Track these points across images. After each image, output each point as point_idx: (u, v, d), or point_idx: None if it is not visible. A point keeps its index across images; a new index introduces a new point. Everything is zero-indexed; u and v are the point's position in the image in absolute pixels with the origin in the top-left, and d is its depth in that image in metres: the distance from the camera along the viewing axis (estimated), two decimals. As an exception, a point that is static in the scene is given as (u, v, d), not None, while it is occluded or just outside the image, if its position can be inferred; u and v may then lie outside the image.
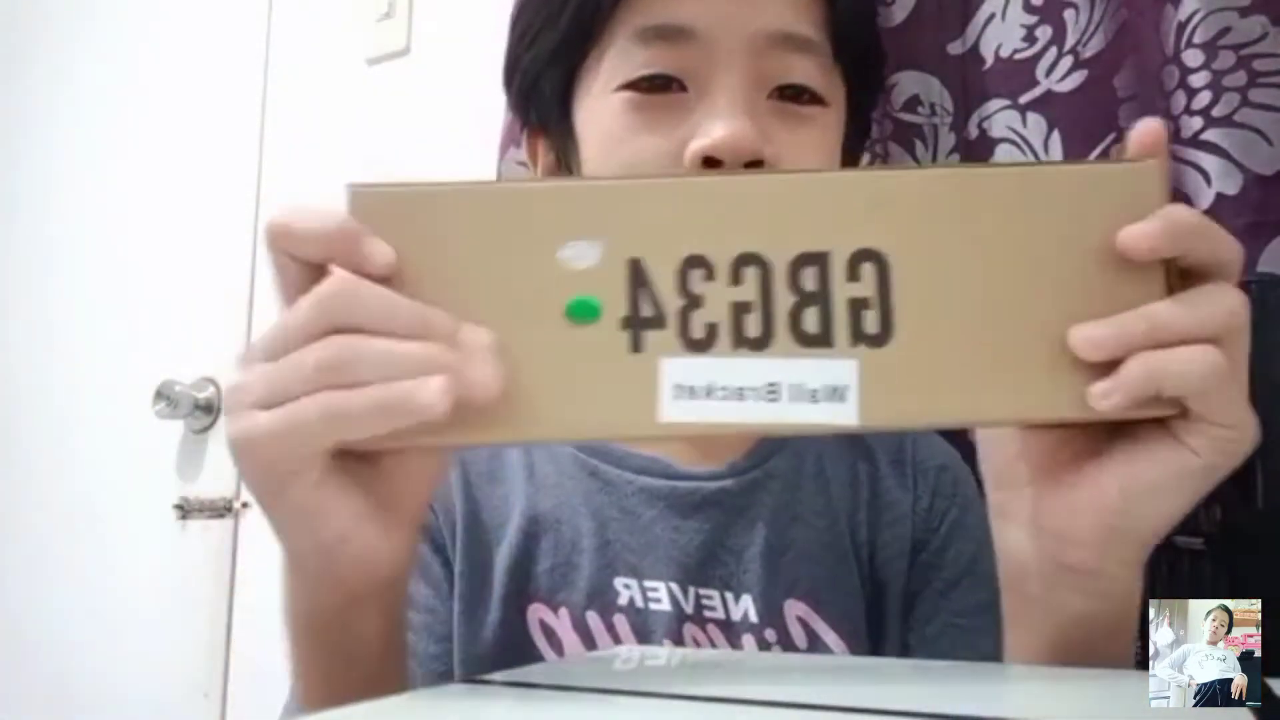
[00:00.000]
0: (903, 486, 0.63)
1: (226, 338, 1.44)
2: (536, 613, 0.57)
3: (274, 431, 0.35)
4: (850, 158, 0.62)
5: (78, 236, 1.67)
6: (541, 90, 0.59)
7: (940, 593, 0.60)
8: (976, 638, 0.57)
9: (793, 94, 0.54)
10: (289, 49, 1.48)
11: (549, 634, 0.57)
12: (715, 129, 0.50)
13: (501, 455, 0.62)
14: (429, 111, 1.31)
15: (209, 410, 1.45)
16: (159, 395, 1.42)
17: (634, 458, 0.60)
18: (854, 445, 0.64)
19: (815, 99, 0.55)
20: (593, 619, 0.57)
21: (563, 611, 0.57)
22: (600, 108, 0.55)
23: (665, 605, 0.57)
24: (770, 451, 0.62)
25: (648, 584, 0.57)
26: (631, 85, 0.53)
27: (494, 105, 1.10)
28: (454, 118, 1.26)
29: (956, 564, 0.60)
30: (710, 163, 0.51)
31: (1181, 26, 0.72)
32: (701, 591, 0.58)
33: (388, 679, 0.44)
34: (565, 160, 0.59)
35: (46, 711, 1.52)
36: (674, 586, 0.57)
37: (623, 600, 0.57)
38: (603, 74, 0.55)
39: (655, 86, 0.53)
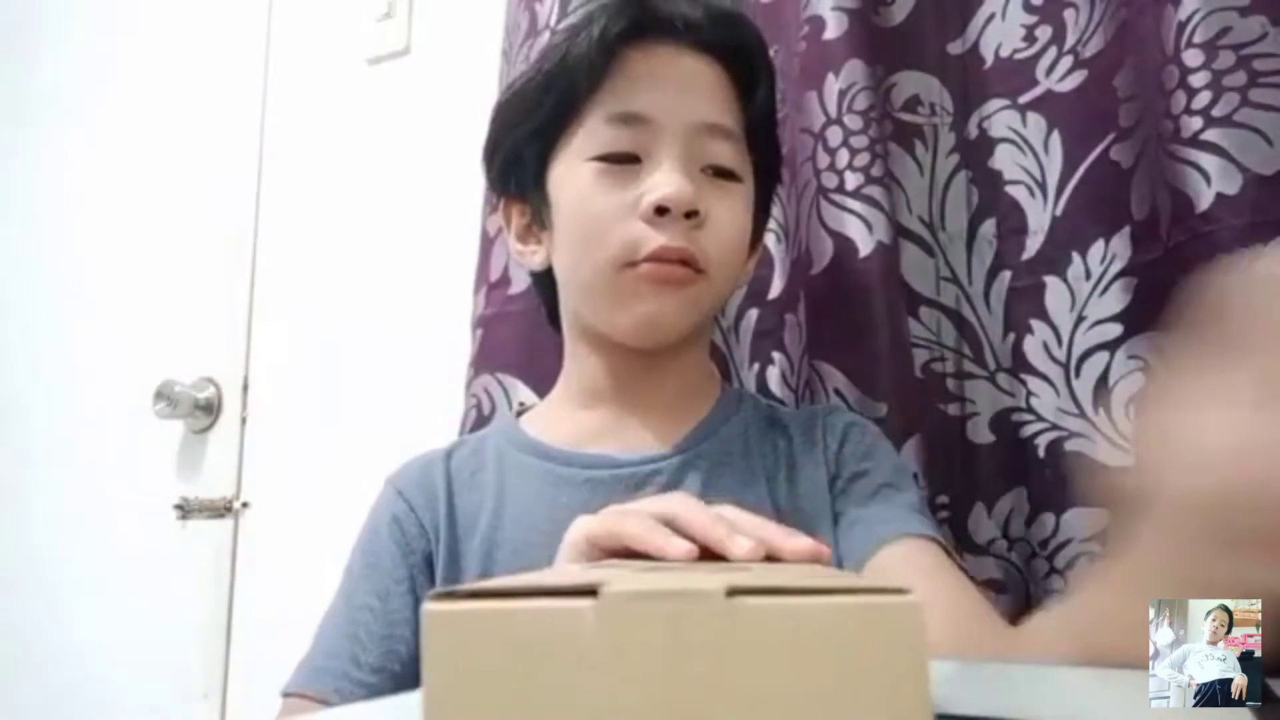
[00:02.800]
0: (813, 446, 0.75)
1: (226, 338, 1.45)
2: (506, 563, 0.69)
3: None
4: (757, 227, 0.79)
5: (78, 236, 1.67)
6: (524, 162, 0.75)
7: (857, 504, 0.71)
8: (888, 525, 0.68)
9: (718, 172, 0.71)
10: (289, 49, 1.48)
11: None
12: (664, 185, 0.67)
13: (481, 466, 0.76)
14: (429, 111, 1.31)
15: (209, 410, 1.45)
16: (159, 395, 1.42)
17: (582, 456, 0.73)
18: (774, 426, 0.78)
19: (733, 176, 0.72)
20: None
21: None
22: (573, 174, 0.71)
23: (616, 562, 0.65)
24: (701, 437, 0.75)
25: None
26: (601, 157, 0.70)
27: (493, 105, 1.10)
28: (454, 118, 1.26)
29: (872, 481, 0.72)
30: (660, 211, 0.67)
31: (1181, 26, 0.72)
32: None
33: None
34: (539, 219, 0.75)
35: (46, 711, 1.52)
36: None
37: None
38: (575, 149, 0.71)
39: (618, 159, 0.70)
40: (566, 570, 0.36)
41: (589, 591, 0.28)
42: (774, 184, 0.83)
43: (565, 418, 0.78)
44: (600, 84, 0.71)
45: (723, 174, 0.72)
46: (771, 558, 0.44)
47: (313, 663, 0.70)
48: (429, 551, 0.73)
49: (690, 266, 0.69)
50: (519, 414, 0.83)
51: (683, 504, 0.47)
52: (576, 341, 0.77)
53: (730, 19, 0.75)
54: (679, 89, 0.71)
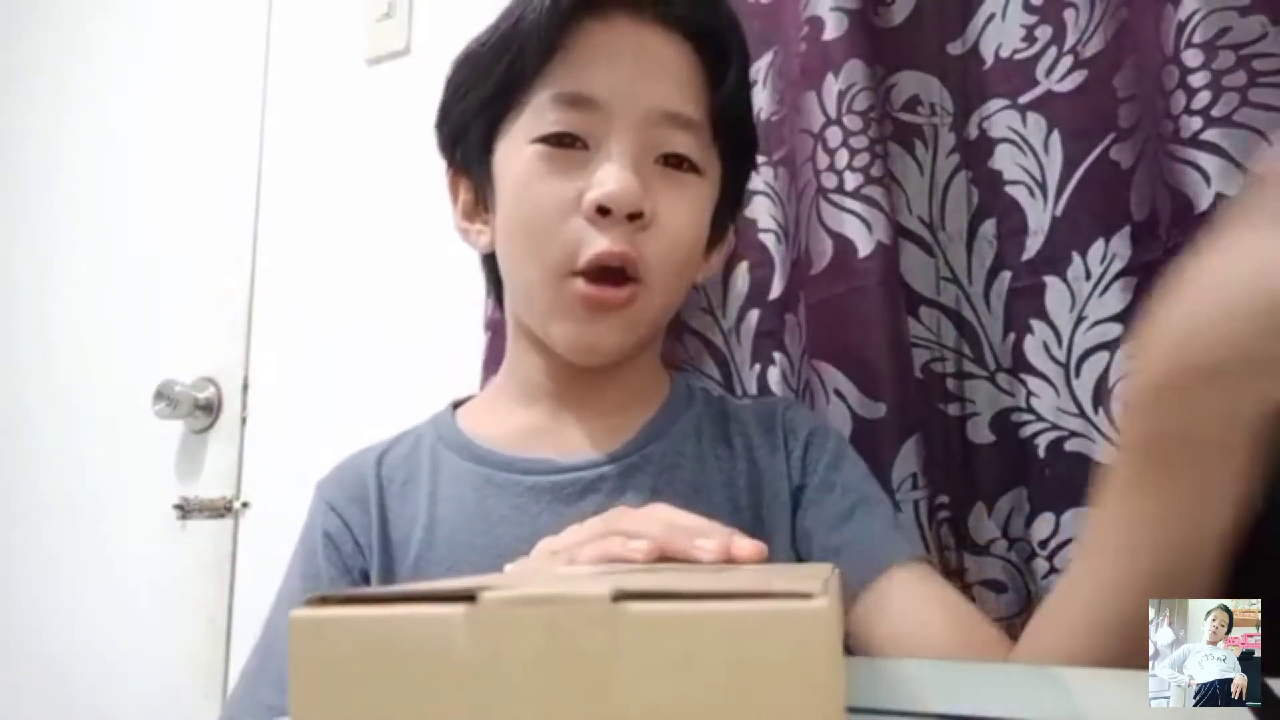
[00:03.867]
0: (774, 447, 0.72)
1: (226, 338, 1.45)
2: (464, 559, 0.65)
3: None
4: (723, 220, 0.74)
5: (78, 237, 1.67)
6: (469, 136, 0.70)
7: (832, 525, 0.68)
8: (875, 554, 0.65)
9: (674, 162, 0.66)
10: (289, 49, 1.48)
11: None
12: (608, 183, 0.62)
13: (413, 473, 0.71)
14: (429, 111, 1.31)
15: (209, 410, 1.45)
16: (159, 395, 1.42)
17: (521, 461, 0.69)
18: (731, 422, 0.74)
19: (692, 168, 0.67)
20: None
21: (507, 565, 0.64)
22: (516, 155, 0.66)
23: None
24: (647, 440, 0.71)
25: None
26: (543, 139, 0.64)
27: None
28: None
29: (844, 499, 0.68)
30: (602, 210, 0.62)
31: (1181, 26, 0.72)
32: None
33: None
34: (482, 197, 0.71)
35: (46, 711, 1.52)
36: None
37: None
38: (520, 127, 0.66)
39: (563, 143, 0.64)
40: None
41: (468, 597, 0.27)
42: (745, 173, 0.77)
43: (503, 414, 0.73)
44: (552, 57, 0.65)
45: (681, 165, 0.66)
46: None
47: (238, 690, 0.66)
48: (365, 569, 0.68)
49: (628, 275, 0.64)
50: (456, 405, 0.78)
51: (632, 521, 0.46)
52: (517, 335, 0.73)
53: None
54: (637, 70, 0.65)
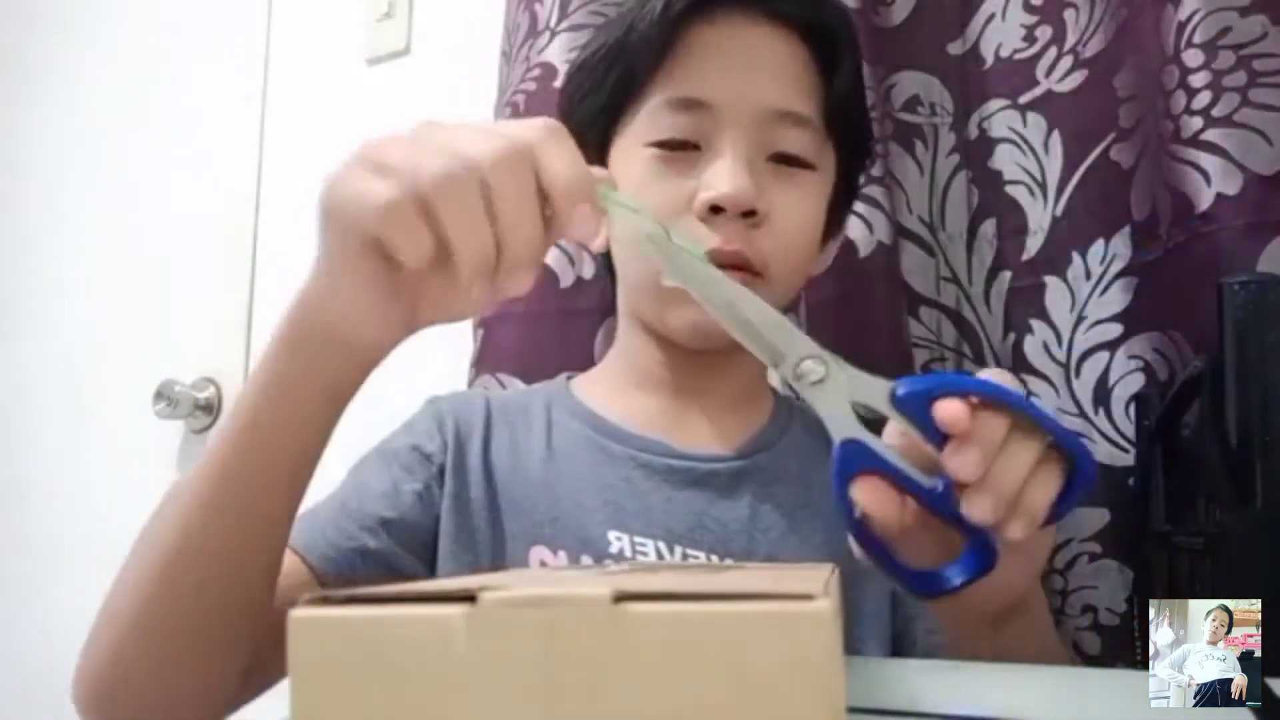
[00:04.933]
0: None
1: (226, 338, 1.44)
2: (539, 553, 0.65)
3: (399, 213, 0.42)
4: (838, 212, 0.74)
5: (78, 237, 1.67)
6: (585, 142, 0.68)
7: (914, 619, 0.68)
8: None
9: (787, 159, 0.66)
10: (289, 49, 1.48)
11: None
12: (719, 183, 0.62)
13: (528, 420, 0.72)
14: (429, 111, 1.30)
15: (209, 410, 1.44)
16: (159, 395, 1.42)
17: (637, 438, 0.69)
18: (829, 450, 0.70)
19: (805, 164, 0.66)
20: (586, 561, 0.65)
21: (561, 553, 0.65)
22: (631, 158, 0.67)
23: (651, 558, 0.64)
24: (756, 449, 0.71)
25: (638, 539, 0.65)
26: (657, 144, 0.65)
27: (492, 105, 1.10)
28: (454, 118, 1.26)
29: None
30: (715, 209, 0.62)
31: (1181, 26, 0.72)
32: (689, 551, 0.65)
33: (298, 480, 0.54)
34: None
35: (46, 711, 1.52)
36: (661, 545, 0.65)
37: (614, 549, 0.64)
38: (634, 131, 0.67)
39: (675, 145, 0.65)
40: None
41: (468, 598, 0.27)
42: (861, 164, 0.76)
43: (620, 395, 0.73)
44: (662, 62, 0.65)
45: (794, 162, 0.66)
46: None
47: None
48: (444, 473, 0.68)
49: (747, 270, 0.63)
50: (569, 379, 0.79)
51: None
52: (631, 328, 0.73)
53: None
54: (747, 69, 0.65)
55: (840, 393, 0.44)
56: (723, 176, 0.62)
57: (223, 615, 0.52)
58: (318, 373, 0.50)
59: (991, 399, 0.42)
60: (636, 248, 0.47)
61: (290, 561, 0.60)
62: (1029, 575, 0.49)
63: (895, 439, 0.45)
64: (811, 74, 0.67)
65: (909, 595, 0.53)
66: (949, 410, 0.41)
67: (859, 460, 0.44)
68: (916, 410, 0.42)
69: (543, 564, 0.65)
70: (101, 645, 0.53)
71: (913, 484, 0.43)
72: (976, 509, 0.41)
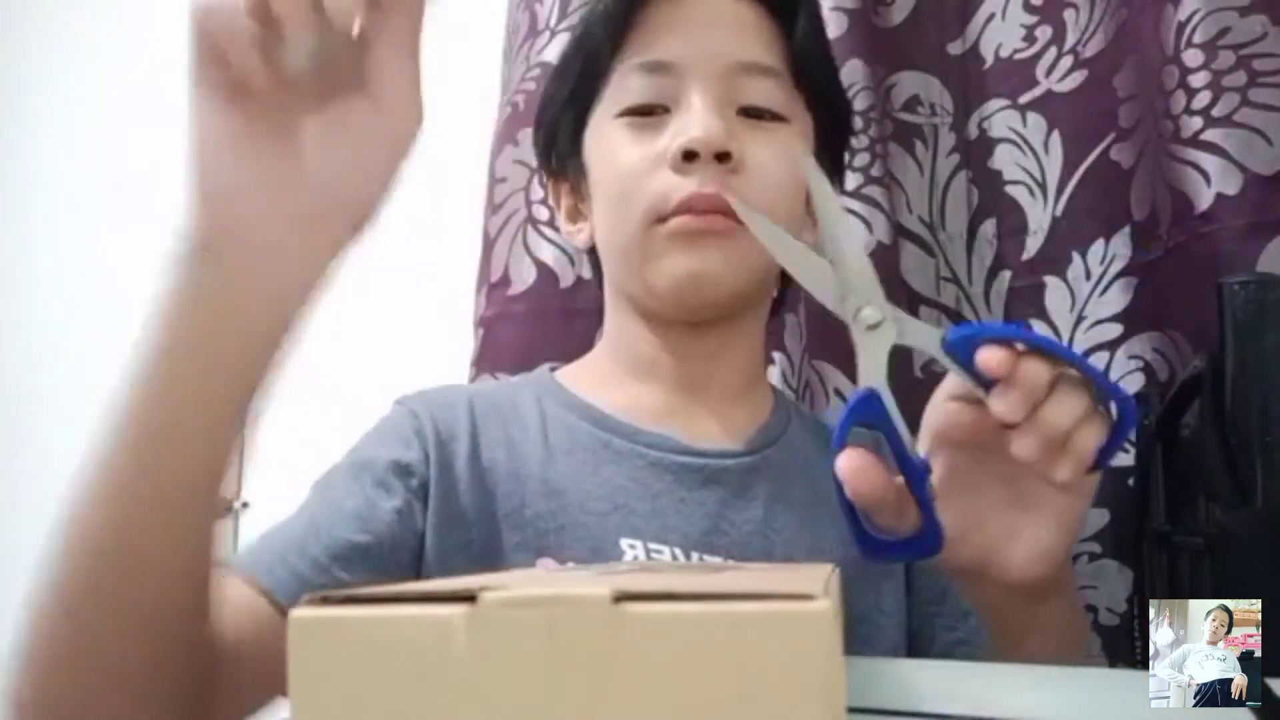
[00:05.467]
0: None
1: (227, 338, 1.45)
2: (546, 565, 0.61)
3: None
4: (830, 164, 0.71)
5: (78, 237, 1.67)
6: (561, 132, 0.70)
7: (933, 616, 0.67)
8: (971, 648, 0.64)
9: (756, 112, 0.65)
10: (289, 49, 1.48)
11: None
12: (691, 128, 0.61)
13: (520, 418, 0.67)
14: (428, 111, 1.31)
15: (209, 410, 1.44)
16: (159, 395, 1.42)
17: (644, 434, 0.65)
18: (828, 447, 0.69)
19: (776, 116, 0.65)
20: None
21: (570, 565, 0.61)
22: (603, 134, 0.66)
23: (669, 563, 0.61)
24: (765, 443, 0.68)
25: (653, 545, 0.62)
26: (626, 112, 0.65)
27: (491, 105, 1.10)
28: (454, 118, 1.26)
29: (936, 584, 0.67)
30: (689, 156, 0.61)
31: (1181, 26, 0.72)
32: (706, 557, 0.62)
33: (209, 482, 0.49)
34: (579, 191, 0.70)
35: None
36: (678, 551, 0.62)
37: (628, 558, 0.61)
38: (604, 108, 0.66)
39: (645, 111, 0.64)
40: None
41: (468, 597, 0.27)
42: (841, 129, 0.74)
43: (615, 385, 0.69)
44: (624, 37, 0.65)
45: (764, 115, 0.64)
46: None
47: (251, 545, 0.63)
48: (427, 486, 0.63)
49: (730, 216, 0.60)
50: (551, 370, 0.75)
51: None
52: (619, 312, 0.70)
53: None
54: (707, 28, 0.65)
55: (884, 342, 0.46)
56: (693, 122, 0.61)
57: (142, 636, 0.46)
58: (214, 340, 0.47)
59: (1037, 347, 0.44)
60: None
61: (247, 595, 0.56)
62: (1069, 531, 0.48)
63: (954, 388, 0.47)
64: (772, 28, 0.67)
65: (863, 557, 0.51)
66: (989, 356, 0.43)
67: (866, 411, 0.46)
68: (964, 355, 0.44)
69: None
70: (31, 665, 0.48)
71: (899, 451, 0.46)
72: (1022, 448, 0.43)
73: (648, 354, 0.68)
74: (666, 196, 0.61)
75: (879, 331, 0.46)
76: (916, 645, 0.66)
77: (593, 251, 0.72)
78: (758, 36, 0.66)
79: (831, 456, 0.46)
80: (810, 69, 0.69)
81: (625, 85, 0.65)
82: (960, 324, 0.45)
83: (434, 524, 0.61)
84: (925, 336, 0.46)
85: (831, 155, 0.72)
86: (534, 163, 0.99)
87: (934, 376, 0.86)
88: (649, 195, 0.62)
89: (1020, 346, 0.43)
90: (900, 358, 0.84)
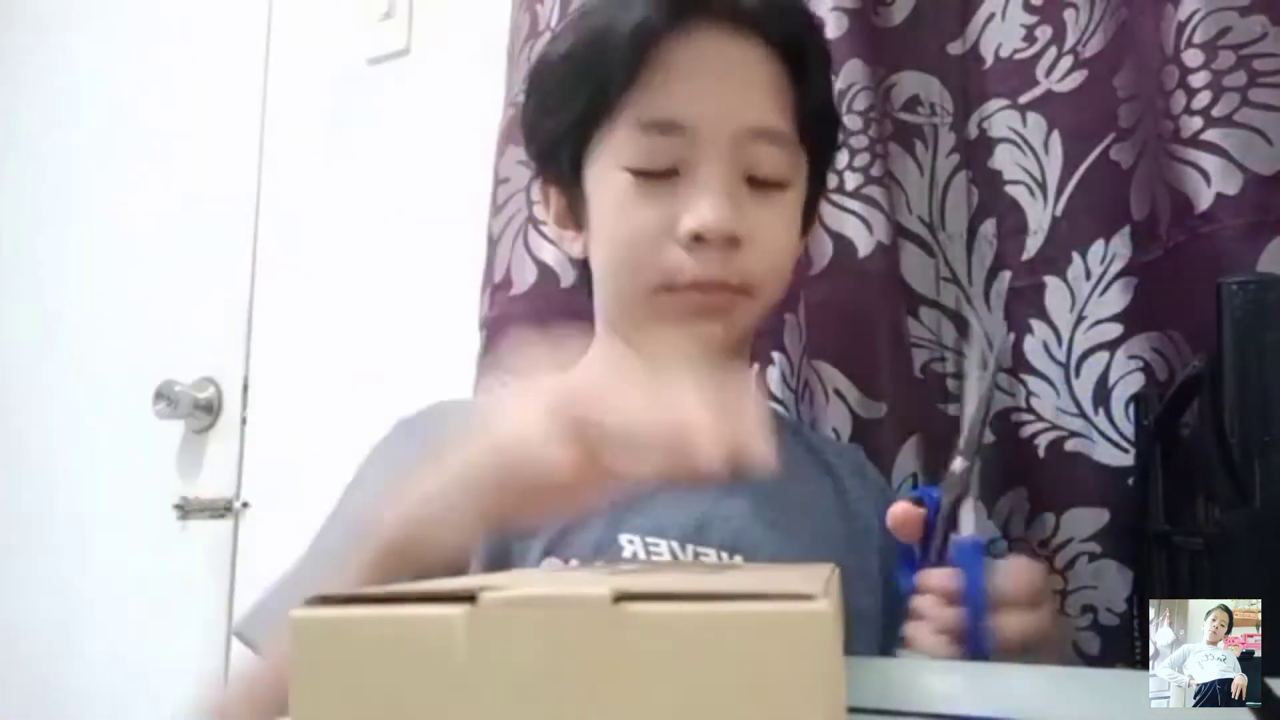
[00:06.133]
0: (865, 496, 0.73)
1: (226, 338, 1.44)
2: (550, 565, 0.63)
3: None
4: (809, 211, 0.73)
5: (78, 237, 1.67)
6: (558, 156, 0.69)
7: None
8: None
9: (761, 181, 0.65)
10: (289, 49, 1.48)
11: None
12: (703, 210, 0.62)
13: None
14: (429, 111, 1.31)
15: (209, 410, 1.44)
16: (159, 395, 1.42)
17: None
18: (812, 453, 0.75)
19: (780, 185, 0.66)
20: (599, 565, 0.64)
21: (573, 562, 0.63)
22: (607, 181, 0.66)
23: (665, 557, 0.63)
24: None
25: (650, 540, 0.64)
26: (634, 171, 0.64)
27: (494, 105, 1.10)
28: (454, 118, 1.26)
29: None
30: (697, 238, 0.62)
31: (1181, 26, 0.72)
32: (699, 549, 0.64)
33: None
34: (574, 210, 0.70)
35: (46, 711, 1.52)
36: (674, 544, 0.64)
37: (626, 553, 0.63)
38: (609, 151, 0.65)
39: (652, 173, 0.64)
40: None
41: (468, 597, 0.27)
42: (826, 171, 0.76)
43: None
44: (635, 80, 0.63)
45: (769, 183, 0.66)
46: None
47: (267, 607, 0.64)
48: None
49: (728, 291, 0.64)
50: None
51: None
52: (611, 335, 0.72)
53: None
54: (722, 87, 0.64)
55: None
56: (705, 206, 0.62)
57: None
58: None
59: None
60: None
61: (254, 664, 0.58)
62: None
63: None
64: (784, 85, 0.67)
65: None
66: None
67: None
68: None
69: None
70: None
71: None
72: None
73: (635, 374, 0.68)
74: (674, 273, 0.63)
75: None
76: (885, 648, 0.67)
77: (582, 263, 0.73)
78: (772, 95, 0.66)
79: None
80: (817, 128, 0.69)
81: (634, 140, 0.64)
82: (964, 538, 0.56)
83: None
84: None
85: (817, 190, 0.74)
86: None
87: (933, 376, 0.86)
88: (657, 269, 0.63)
89: None
90: (900, 357, 0.85)
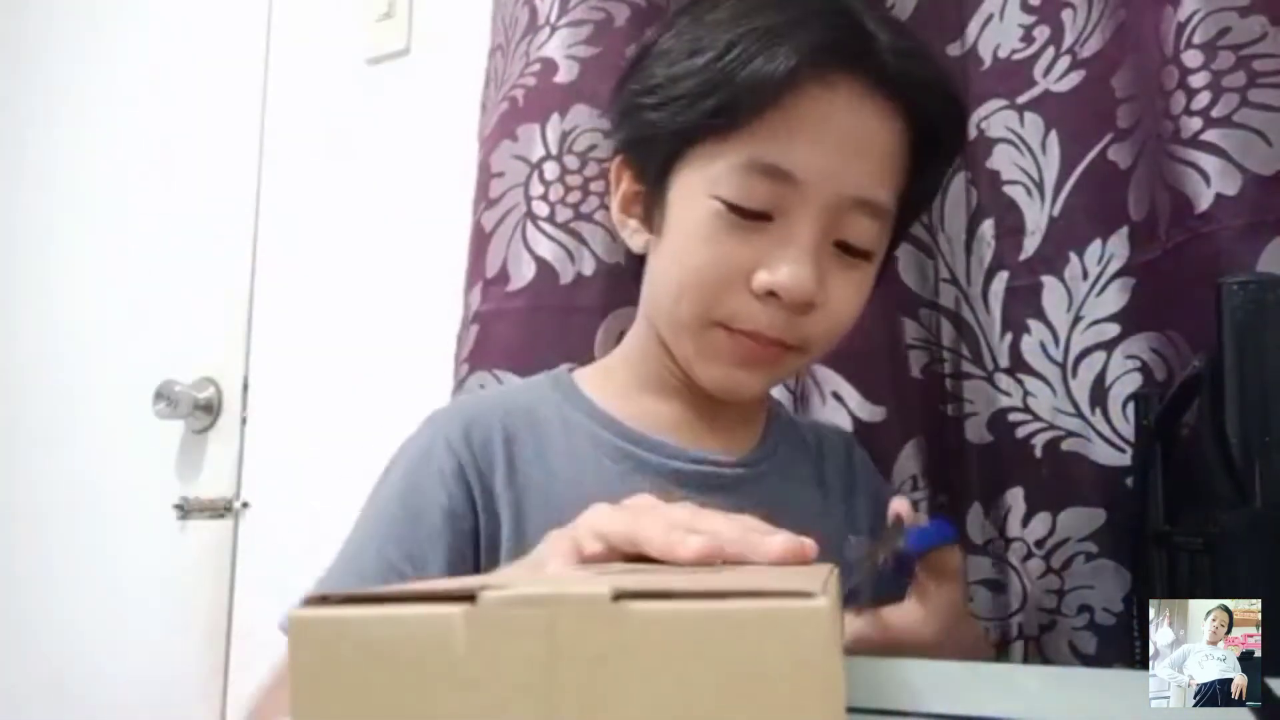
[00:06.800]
0: (851, 489, 0.75)
1: (226, 338, 1.44)
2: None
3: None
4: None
5: (78, 237, 1.67)
6: (652, 149, 0.65)
7: None
8: None
9: (848, 247, 0.63)
10: (289, 49, 1.48)
11: None
12: (785, 274, 0.60)
13: (545, 431, 0.68)
14: (429, 111, 1.31)
15: (209, 410, 1.44)
16: (159, 395, 1.42)
17: (663, 445, 0.68)
18: (799, 434, 0.76)
19: (866, 255, 0.64)
20: None
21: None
22: (696, 203, 0.62)
23: None
24: (769, 451, 0.72)
25: None
26: (728, 203, 0.61)
27: (481, 99, 1.10)
28: (454, 118, 1.26)
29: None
30: (771, 293, 0.60)
31: (1181, 27, 0.72)
32: None
33: None
34: (647, 206, 0.67)
35: (46, 711, 1.52)
36: None
37: None
38: (708, 176, 0.62)
39: (747, 214, 0.61)
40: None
41: (468, 597, 0.27)
42: (902, 239, 0.74)
43: (631, 396, 0.71)
44: (763, 117, 0.60)
45: (854, 250, 0.63)
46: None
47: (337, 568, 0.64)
48: (477, 529, 0.64)
49: (785, 347, 0.63)
50: (570, 370, 0.75)
51: (710, 516, 0.44)
52: (652, 337, 0.70)
53: (936, 70, 0.65)
54: (844, 148, 0.61)
55: None
56: (789, 269, 0.60)
57: None
58: None
59: None
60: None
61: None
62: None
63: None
64: (904, 160, 0.64)
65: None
66: None
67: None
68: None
69: None
70: None
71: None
72: None
73: (669, 380, 0.70)
74: (737, 317, 0.62)
75: None
76: None
77: (638, 258, 0.71)
78: (888, 170, 0.63)
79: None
80: (918, 207, 0.68)
81: (738, 174, 0.60)
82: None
83: (481, 560, 0.64)
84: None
85: (894, 249, 0.72)
86: (533, 158, 0.99)
87: (932, 376, 0.86)
88: (723, 306, 0.62)
89: None
90: (898, 359, 0.85)
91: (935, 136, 0.64)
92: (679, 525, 0.42)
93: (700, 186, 0.62)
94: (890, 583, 0.56)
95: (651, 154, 0.66)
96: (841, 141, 0.61)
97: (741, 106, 0.60)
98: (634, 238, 0.70)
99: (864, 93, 0.61)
